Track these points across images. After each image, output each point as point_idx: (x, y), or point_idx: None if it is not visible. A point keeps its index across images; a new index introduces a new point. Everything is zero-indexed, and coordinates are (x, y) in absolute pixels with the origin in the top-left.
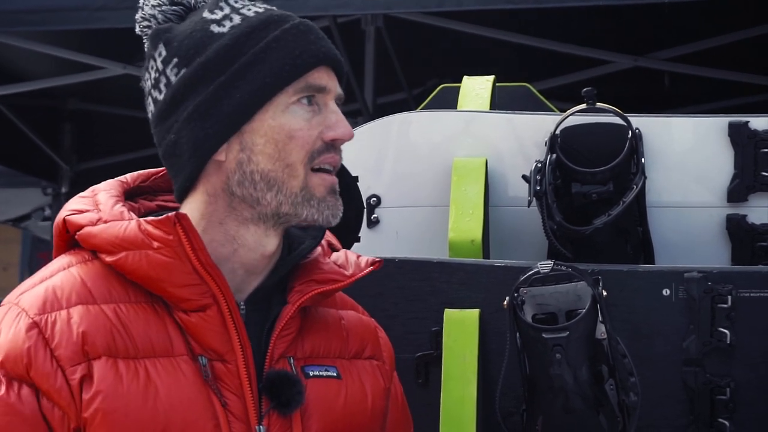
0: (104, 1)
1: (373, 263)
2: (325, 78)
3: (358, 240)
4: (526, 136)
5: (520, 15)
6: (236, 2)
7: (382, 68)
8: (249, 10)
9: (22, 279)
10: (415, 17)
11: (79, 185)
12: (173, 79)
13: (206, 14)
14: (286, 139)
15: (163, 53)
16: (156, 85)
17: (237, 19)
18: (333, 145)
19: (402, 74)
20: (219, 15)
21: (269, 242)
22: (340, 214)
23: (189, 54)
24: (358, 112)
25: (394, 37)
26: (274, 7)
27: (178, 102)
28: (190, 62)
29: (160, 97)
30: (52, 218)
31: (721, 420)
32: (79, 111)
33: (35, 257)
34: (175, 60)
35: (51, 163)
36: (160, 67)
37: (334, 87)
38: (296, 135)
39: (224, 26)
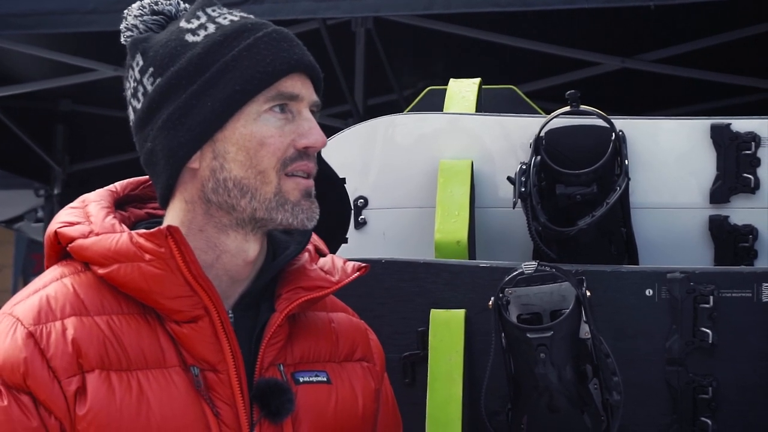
0: (95, 5)
1: (359, 269)
2: (298, 86)
3: (345, 241)
4: (511, 138)
5: (509, 17)
6: (213, 11)
7: (373, 70)
8: (225, 18)
9: (15, 280)
10: (404, 19)
11: (71, 187)
12: (149, 88)
13: (183, 24)
14: (258, 146)
15: (141, 63)
16: (135, 95)
17: (212, 28)
18: (306, 153)
19: (392, 76)
20: (195, 24)
21: (250, 247)
22: (316, 217)
23: (164, 63)
24: (348, 114)
25: (384, 38)
26: (252, 16)
27: (154, 110)
28: (165, 71)
29: (138, 106)
30: (44, 220)
31: (703, 419)
32: (71, 113)
33: (29, 258)
34: (151, 69)
35: (43, 164)
36: (138, 76)
37: (308, 94)
38: (267, 142)
39: (198, 35)
